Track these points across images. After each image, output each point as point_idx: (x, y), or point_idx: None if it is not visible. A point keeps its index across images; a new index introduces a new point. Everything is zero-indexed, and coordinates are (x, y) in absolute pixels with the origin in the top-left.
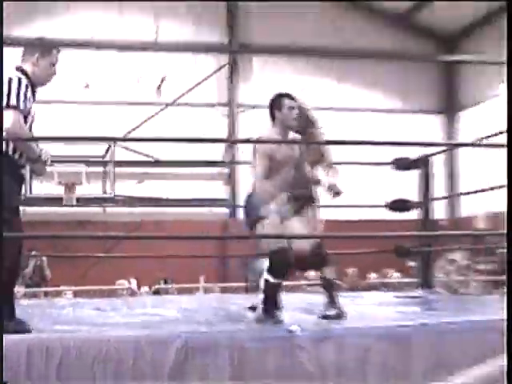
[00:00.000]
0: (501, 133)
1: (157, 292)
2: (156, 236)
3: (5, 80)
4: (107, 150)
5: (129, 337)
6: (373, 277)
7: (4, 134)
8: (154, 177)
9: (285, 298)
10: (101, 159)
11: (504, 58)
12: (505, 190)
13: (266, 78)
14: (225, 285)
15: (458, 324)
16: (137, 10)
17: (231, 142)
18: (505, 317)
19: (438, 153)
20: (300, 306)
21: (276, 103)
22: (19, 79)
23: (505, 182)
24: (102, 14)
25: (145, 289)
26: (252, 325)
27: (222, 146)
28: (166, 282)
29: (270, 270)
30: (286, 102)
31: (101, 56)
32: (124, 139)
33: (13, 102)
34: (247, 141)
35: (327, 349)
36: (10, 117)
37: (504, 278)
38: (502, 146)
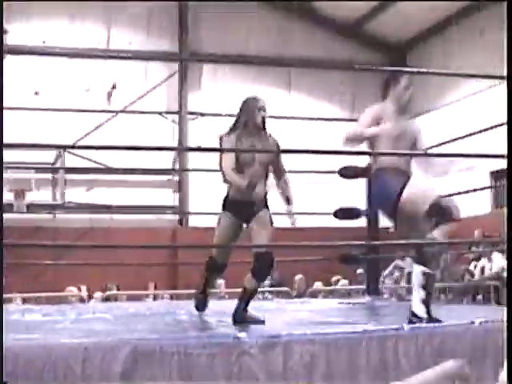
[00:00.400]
0: (456, 138)
1: (107, 299)
2: (107, 245)
3: None
4: (57, 157)
5: (77, 343)
6: (320, 284)
7: None
8: (104, 184)
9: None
10: (51, 166)
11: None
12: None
13: (216, 86)
14: (175, 292)
15: (404, 330)
16: (88, 18)
17: (181, 149)
18: (505, 317)
19: None
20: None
21: (395, 81)
22: None
23: (448, 190)
24: (53, 22)
25: (96, 295)
26: (200, 331)
27: (172, 153)
28: (118, 289)
29: (256, 273)
30: (403, 82)
31: (51, 63)
32: (74, 146)
33: None
34: (197, 149)
35: (275, 355)
36: None
37: (447, 285)
38: (450, 155)
